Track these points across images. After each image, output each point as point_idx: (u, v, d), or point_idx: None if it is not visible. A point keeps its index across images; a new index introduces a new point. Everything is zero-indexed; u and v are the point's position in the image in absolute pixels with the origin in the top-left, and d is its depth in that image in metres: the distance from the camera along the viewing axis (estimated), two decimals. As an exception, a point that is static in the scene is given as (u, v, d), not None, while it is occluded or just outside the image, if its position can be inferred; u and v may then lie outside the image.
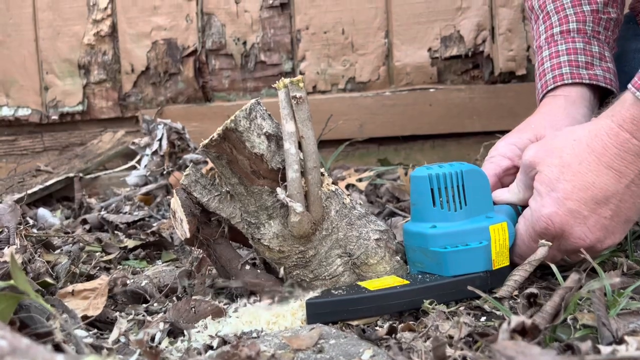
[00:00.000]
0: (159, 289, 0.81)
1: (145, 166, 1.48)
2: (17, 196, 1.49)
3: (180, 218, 0.75)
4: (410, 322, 0.69)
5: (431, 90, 1.82)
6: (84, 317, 0.65)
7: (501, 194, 0.85)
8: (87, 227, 1.27)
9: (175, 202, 0.75)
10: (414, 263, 0.78)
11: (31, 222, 1.38)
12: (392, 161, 1.85)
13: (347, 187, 1.43)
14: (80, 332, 0.61)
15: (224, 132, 0.68)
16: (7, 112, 2.10)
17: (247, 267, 0.77)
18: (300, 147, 0.71)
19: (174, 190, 0.76)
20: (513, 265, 0.79)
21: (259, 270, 0.78)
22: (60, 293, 0.69)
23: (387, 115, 1.84)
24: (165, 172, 1.47)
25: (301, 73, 1.91)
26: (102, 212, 1.34)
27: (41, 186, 1.56)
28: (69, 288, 0.69)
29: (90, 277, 0.83)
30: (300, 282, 0.76)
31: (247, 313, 0.70)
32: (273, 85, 0.70)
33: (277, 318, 0.69)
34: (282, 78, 0.69)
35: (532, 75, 1.77)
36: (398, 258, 0.79)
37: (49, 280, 0.74)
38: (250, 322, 0.69)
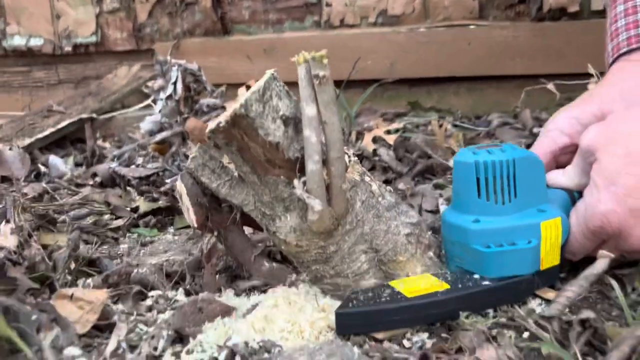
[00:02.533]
0: (166, 274, 0.75)
1: (160, 111, 1.38)
2: (27, 141, 1.42)
3: (187, 206, 0.67)
4: (443, 335, 0.61)
5: (471, 27, 1.65)
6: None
7: (555, 177, 0.74)
8: (97, 179, 1.20)
9: (181, 188, 0.66)
10: (452, 257, 0.69)
11: (42, 169, 1.32)
12: (424, 104, 1.72)
13: (374, 140, 1.32)
14: (73, 351, 0.54)
15: (233, 118, 0.57)
16: (19, 41, 2.01)
17: (262, 259, 0.69)
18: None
19: (179, 176, 0.67)
20: (564, 262, 0.69)
21: (274, 264, 0.70)
22: (60, 294, 0.62)
23: (420, 53, 1.68)
24: (180, 119, 1.38)
25: (328, 5, 1.75)
26: (114, 164, 1.27)
27: (53, 129, 1.49)
28: (69, 291, 0.62)
29: (92, 263, 0.76)
30: (320, 277, 0.68)
31: (260, 317, 0.63)
32: (292, 59, 0.58)
33: (292, 326, 0.61)
34: (302, 52, 0.58)
35: (585, 12, 1.58)
36: (431, 254, 0.70)
37: (46, 273, 0.67)
38: (262, 329, 0.62)
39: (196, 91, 1.44)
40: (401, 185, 1.11)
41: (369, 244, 0.67)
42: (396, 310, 0.61)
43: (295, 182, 0.61)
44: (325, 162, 0.61)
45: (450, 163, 1.20)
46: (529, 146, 1.19)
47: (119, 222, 0.97)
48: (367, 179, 0.69)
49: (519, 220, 0.66)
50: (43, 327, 0.54)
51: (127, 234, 0.95)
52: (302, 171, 0.61)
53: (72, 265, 0.70)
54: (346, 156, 0.68)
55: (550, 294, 0.68)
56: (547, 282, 0.69)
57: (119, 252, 0.86)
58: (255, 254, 0.69)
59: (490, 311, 0.65)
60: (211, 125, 0.60)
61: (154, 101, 1.45)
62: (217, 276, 0.73)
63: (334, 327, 0.61)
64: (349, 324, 0.61)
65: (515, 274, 0.65)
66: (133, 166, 1.27)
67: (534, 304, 0.67)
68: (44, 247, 0.75)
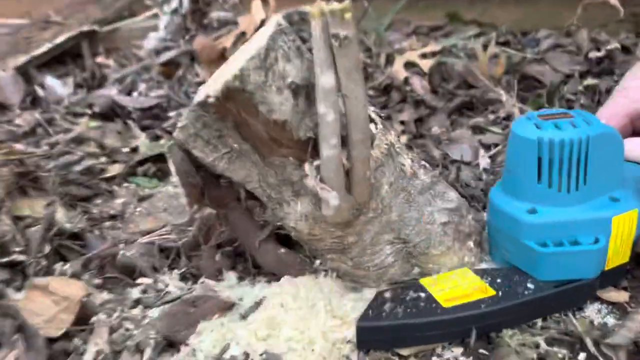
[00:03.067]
0: (159, 249, 0.65)
1: (165, 27, 1.22)
2: (23, 59, 1.29)
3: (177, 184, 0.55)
4: (480, 352, 0.51)
5: None
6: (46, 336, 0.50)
7: (634, 148, 0.60)
8: (96, 109, 1.08)
9: (170, 164, 0.54)
10: (497, 247, 0.58)
11: (40, 92, 1.21)
12: (464, 17, 1.51)
13: (407, 65, 1.15)
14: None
15: (224, 92, 0.44)
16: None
17: (269, 244, 0.58)
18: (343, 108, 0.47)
19: (167, 149, 0.54)
20: (634, 259, 0.57)
21: (283, 251, 0.59)
22: (33, 285, 0.53)
23: (463, -44, 1.45)
24: (188, 36, 1.22)
25: None
26: (114, 91, 1.14)
27: (50, 45, 1.35)
28: (43, 281, 0.53)
29: (76, 237, 0.66)
30: (337, 267, 0.58)
31: (264, 321, 0.53)
32: (304, 9, 0.43)
33: (301, 335, 0.52)
34: (319, 0, 0.43)
35: None
36: (471, 244, 0.58)
37: (17, 257, 0.58)
38: (266, 336, 0.52)
39: (205, 2, 1.27)
40: (435, 129, 0.96)
41: (397, 233, 0.55)
42: (431, 325, 0.51)
43: (307, 167, 0.48)
44: (344, 144, 0.48)
45: (493, 95, 1.04)
46: (594, 92, 1.03)
47: (115, 169, 0.86)
48: (397, 151, 0.55)
49: (585, 212, 0.53)
50: (4, 342, 0.45)
51: (124, 184, 0.84)
52: (316, 153, 0.48)
53: (47, 248, 0.60)
54: (372, 123, 0.54)
55: (613, 295, 0.57)
56: (611, 281, 0.57)
57: (111, 213, 0.76)
58: (261, 238, 0.58)
59: (539, 320, 0.54)
60: (198, 96, 0.46)
61: (158, 15, 1.29)
62: (219, 255, 0.62)
63: (352, 339, 0.51)
64: (373, 340, 0.51)
65: (574, 277, 0.54)
66: (135, 94, 1.14)
67: (592, 310, 0.55)
68: (18, 218, 0.65)
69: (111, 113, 1.08)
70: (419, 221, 0.55)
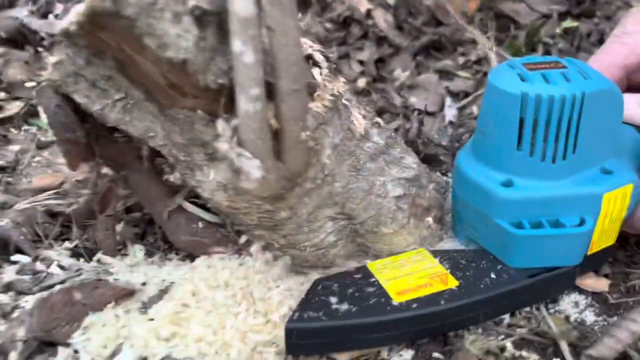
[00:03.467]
0: (49, 215, 0.52)
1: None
2: None
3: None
4: (435, 356, 0.42)
5: None
6: None
7: (629, 107, 0.49)
8: (0, 33, 0.91)
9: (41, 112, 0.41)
10: (462, 222, 0.47)
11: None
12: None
13: (370, -4, 1.01)
14: None
15: (90, 17, 0.30)
16: None
17: (180, 216, 0.47)
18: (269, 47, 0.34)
19: (35, 93, 0.41)
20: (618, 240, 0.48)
21: (200, 225, 0.47)
22: None
23: None
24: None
25: None
26: (25, 12, 0.96)
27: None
28: None
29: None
30: (267, 245, 0.47)
31: (169, 314, 0.42)
32: None
33: (215, 335, 0.41)
34: None
35: None
36: (430, 220, 0.47)
37: None
38: (170, 335, 0.41)
39: None
40: (398, 71, 0.84)
41: (340, 208, 0.44)
42: (378, 326, 0.40)
43: (219, 126, 0.36)
44: (271, 95, 0.35)
45: (465, 35, 0.92)
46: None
47: (14, 108, 0.71)
48: (346, 104, 0.43)
49: (572, 187, 0.43)
50: None
51: (23, 127, 0.70)
52: (232, 107, 0.36)
53: None
54: (316, 68, 0.42)
55: (592, 283, 0.48)
56: (592, 266, 0.48)
57: (0, 163, 0.62)
58: (171, 207, 0.46)
59: (507, 315, 0.45)
60: (66, 19, 0.33)
61: None
62: (122, 224, 0.50)
63: (280, 343, 0.41)
64: (306, 343, 0.40)
65: (553, 265, 0.44)
66: (51, 16, 0.97)
67: (568, 302, 0.46)
68: None
69: (20, 38, 0.91)
70: (369, 193, 0.44)
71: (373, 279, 0.43)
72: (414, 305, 0.41)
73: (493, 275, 0.44)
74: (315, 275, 0.46)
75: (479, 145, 0.46)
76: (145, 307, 0.44)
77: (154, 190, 0.47)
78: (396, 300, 0.41)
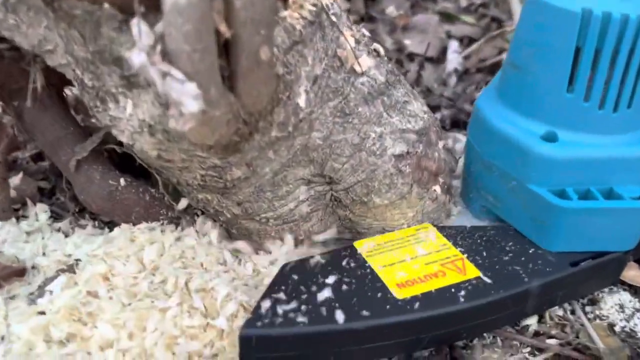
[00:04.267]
0: None
1: None
2: None
3: None
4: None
5: None
6: None
7: None
8: None
9: None
10: (478, 190, 0.36)
11: None
12: None
13: None
14: None
15: None
16: None
17: (93, 167, 0.33)
18: None
19: None
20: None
21: (122, 182, 0.34)
22: None
23: None
24: None
25: None
26: None
27: None
28: None
29: None
30: (214, 214, 0.34)
31: (66, 308, 0.30)
32: None
33: (131, 340, 0.29)
34: None
35: None
36: (437, 190, 0.35)
37: None
38: (67, 338, 0.29)
39: None
40: (390, 9, 0.71)
41: (318, 167, 0.32)
42: (372, 332, 0.29)
43: (135, 28, 0.23)
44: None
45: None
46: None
47: None
48: (333, 20, 0.30)
49: (635, 147, 0.32)
50: None
51: None
52: (153, 3, 0.22)
53: None
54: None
55: (635, 275, 0.37)
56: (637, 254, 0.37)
57: None
58: (80, 155, 0.33)
59: (532, 319, 0.34)
60: None
61: None
62: (20, 176, 0.37)
63: (225, 357, 0.29)
64: (269, 357, 0.28)
65: (600, 249, 0.33)
66: None
67: (611, 302, 0.35)
68: None
69: None
70: (359, 149, 0.31)
71: (364, 264, 0.31)
72: (421, 304, 0.29)
73: (525, 263, 0.32)
74: (280, 258, 0.34)
75: (509, 85, 0.34)
76: (36, 293, 0.31)
77: (57, 130, 0.33)
78: (398, 295, 0.29)
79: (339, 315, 0.28)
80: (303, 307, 0.28)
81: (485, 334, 0.33)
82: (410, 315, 0.29)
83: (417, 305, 0.29)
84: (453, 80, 0.57)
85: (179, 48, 0.22)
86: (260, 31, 0.24)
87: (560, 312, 0.34)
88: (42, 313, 0.30)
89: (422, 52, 0.60)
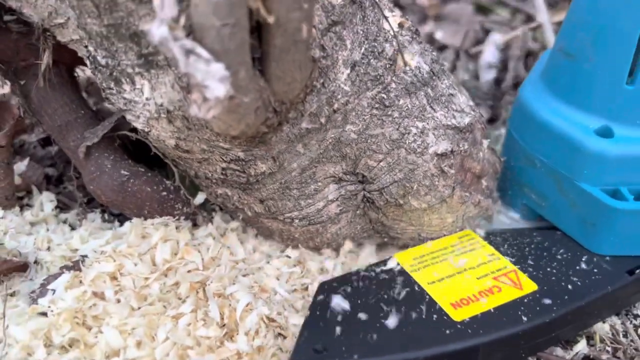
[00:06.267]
0: None
1: None
2: None
3: None
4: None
5: None
6: None
7: None
8: None
9: None
10: (521, 187, 0.33)
11: None
12: None
13: None
14: None
15: None
16: None
17: (104, 155, 0.30)
18: None
19: None
20: None
21: (136, 169, 0.31)
22: None
23: None
24: None
25: None
26: None
27: None
28: None
29: None
30: (234, 210, 0.31)
31: (70, 310, 0.27)
32: None
33: (139, 349, 0.26)
34: None
35: None
36: (479, 196, 0.32)
37: None
38: (69, 343, 0.26)
39: None
40: (421, -2, 0.67)
41: (351, 164, 0.29)
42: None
43: (159, 6, 0.19)
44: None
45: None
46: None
47: None
48: (376, 1, 0.27)
49: None
50: None
51: None
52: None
53: None
54: None
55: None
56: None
57: None
58: (90, 141, 0.30)
59: (582, 344, 0.30)
60: None
61: None
62: (26, 162, 0.34)
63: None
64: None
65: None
66: None
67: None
68: None
69: None
70: (397, 145, 0.28)
71: (409, 281, 0.28)
72: (481, 326, 0.26)
73: (581, 273, 0.29)
74: (309, 263, 0.31)
75: (559, 74, 0.30)
76: (38, 292, 0.28)
77: (66, 113, 0.30)
78: (455, 316, 0.26)
79: (407, 344, 0.25)
80: (357, 336, 0.25)
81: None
82: (473, 341, 0.26)
83: (478, 328, 0.26)
84: (486, 75, 0.53)
85: (207, 22, 0.19)
86: (297, 9, 0.21)
87: (609, 331, 0.31)
88: (44, 314, 0.27)
89: (458, 44, 0.56)
